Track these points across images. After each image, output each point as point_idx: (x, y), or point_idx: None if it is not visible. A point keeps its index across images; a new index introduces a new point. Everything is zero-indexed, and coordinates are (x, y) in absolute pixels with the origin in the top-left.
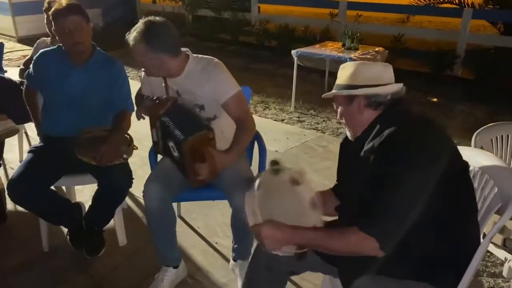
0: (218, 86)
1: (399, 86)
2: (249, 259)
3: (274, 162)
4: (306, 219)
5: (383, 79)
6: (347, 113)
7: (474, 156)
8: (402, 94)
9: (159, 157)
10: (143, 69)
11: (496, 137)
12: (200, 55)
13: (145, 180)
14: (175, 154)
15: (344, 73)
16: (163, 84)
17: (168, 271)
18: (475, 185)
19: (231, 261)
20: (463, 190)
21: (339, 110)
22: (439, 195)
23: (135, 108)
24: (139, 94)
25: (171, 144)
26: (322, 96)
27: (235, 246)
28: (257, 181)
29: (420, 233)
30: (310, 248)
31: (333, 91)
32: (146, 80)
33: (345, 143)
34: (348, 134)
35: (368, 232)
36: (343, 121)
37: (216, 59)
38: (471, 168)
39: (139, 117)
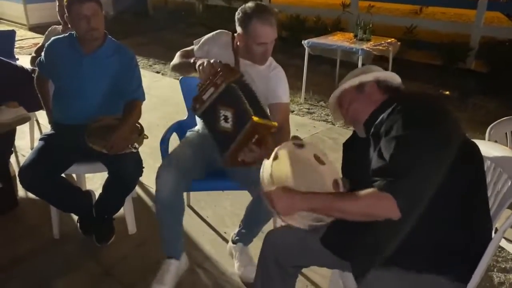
0: (277, 88)
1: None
2: (248, 246)
3: (297, 137)
4: None
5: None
6: (358, 105)
7: (488, 150)
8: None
9: (171, 147)
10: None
11: (511, 131)
12: None
13: (159, 166)
14: (225, 124)
15: (350, 74)
16: (233, 61)
17: (170, 264)
18: (488, 179)
19: (230, 243)
20: (476, 177)
21: (349, 109)
22: (453, 178)
23: (145, 97)
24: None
25: (226, 113)
26: (331, 97)
27: (242, 230)
28: (278, 151)
29: (434, 223)
30: (324, 214)
31: (340, 88)
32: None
33: (350, 142)
34: (359, 130)
35: (384, 189)
36: (353, 117)
37: None
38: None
39: (196, 64)
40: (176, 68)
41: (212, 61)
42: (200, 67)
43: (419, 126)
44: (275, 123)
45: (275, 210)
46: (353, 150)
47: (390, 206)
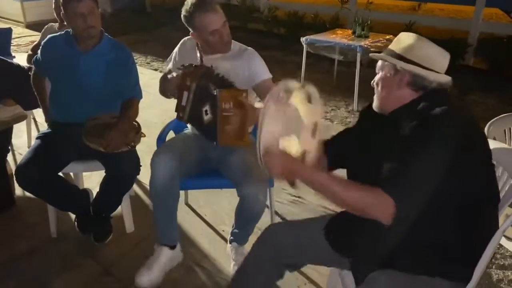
0: (255, 68)
1: (448, 78)
2: (244, 244)
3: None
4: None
5: (436, 65)
6: (386, 82)
7: None
8: (447, 86)
9: None
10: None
11: (510, 128)
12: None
13: (154, 152)
14: (207, 117)
15: (402, 42)
16: (198, 60)
17: (161, 251)
18: None
19: (228, 243)
20: (485, 181)
21: (378, 75)
22: (454, 183)
23: (142, 93)
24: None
25: (205, 108)
26: (370, 55)
27: (235, 230)
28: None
29: (433, 225)
30: (317, 192)
31: (383, 54)
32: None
33: (366, 112)
34: (375, 103)
35: (391, 194)
36: (378, 87)
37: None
38: None
39: (168, 87)
40: (162, 92)
41: (174, 74)
42: (168, 78)
43: (437, 142)
44: (243, 91)
45: (268, 171)
46: (366, 126)
47: (388, 211)
